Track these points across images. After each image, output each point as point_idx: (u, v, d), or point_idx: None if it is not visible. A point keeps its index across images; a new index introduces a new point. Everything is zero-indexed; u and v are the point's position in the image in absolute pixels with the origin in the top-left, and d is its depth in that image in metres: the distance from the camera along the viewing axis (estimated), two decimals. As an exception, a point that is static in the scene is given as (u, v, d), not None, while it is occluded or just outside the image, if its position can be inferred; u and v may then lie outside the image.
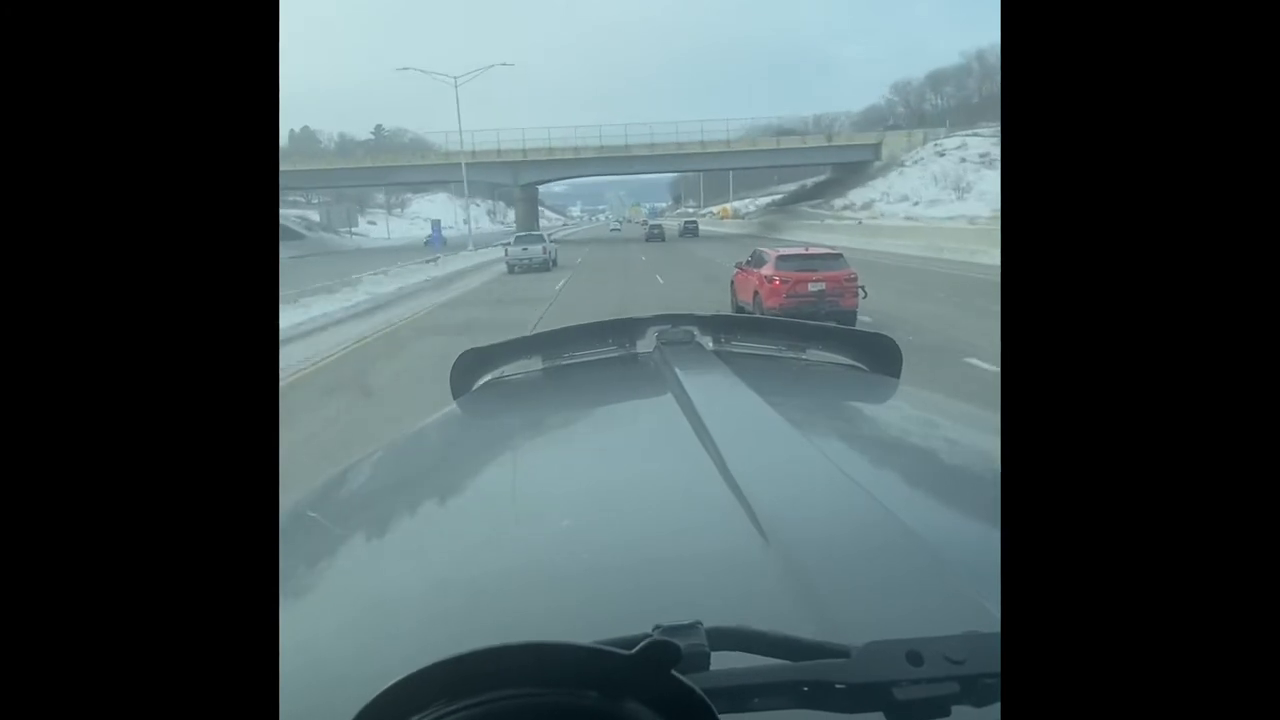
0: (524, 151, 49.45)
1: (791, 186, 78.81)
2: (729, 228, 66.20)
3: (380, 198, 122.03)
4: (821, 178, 61.57)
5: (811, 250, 11.09)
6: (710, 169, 62.87)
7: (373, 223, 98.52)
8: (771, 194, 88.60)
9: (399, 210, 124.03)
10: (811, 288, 9.48)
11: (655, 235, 41.60)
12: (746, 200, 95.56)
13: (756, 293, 10.10)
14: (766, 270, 9.97)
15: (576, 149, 49.61)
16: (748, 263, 10.93)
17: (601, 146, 49.62)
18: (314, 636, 0.58)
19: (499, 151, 49.28)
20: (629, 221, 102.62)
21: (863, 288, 9.70)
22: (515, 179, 50.07)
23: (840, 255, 10.32)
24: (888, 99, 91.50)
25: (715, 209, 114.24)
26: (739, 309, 10.62)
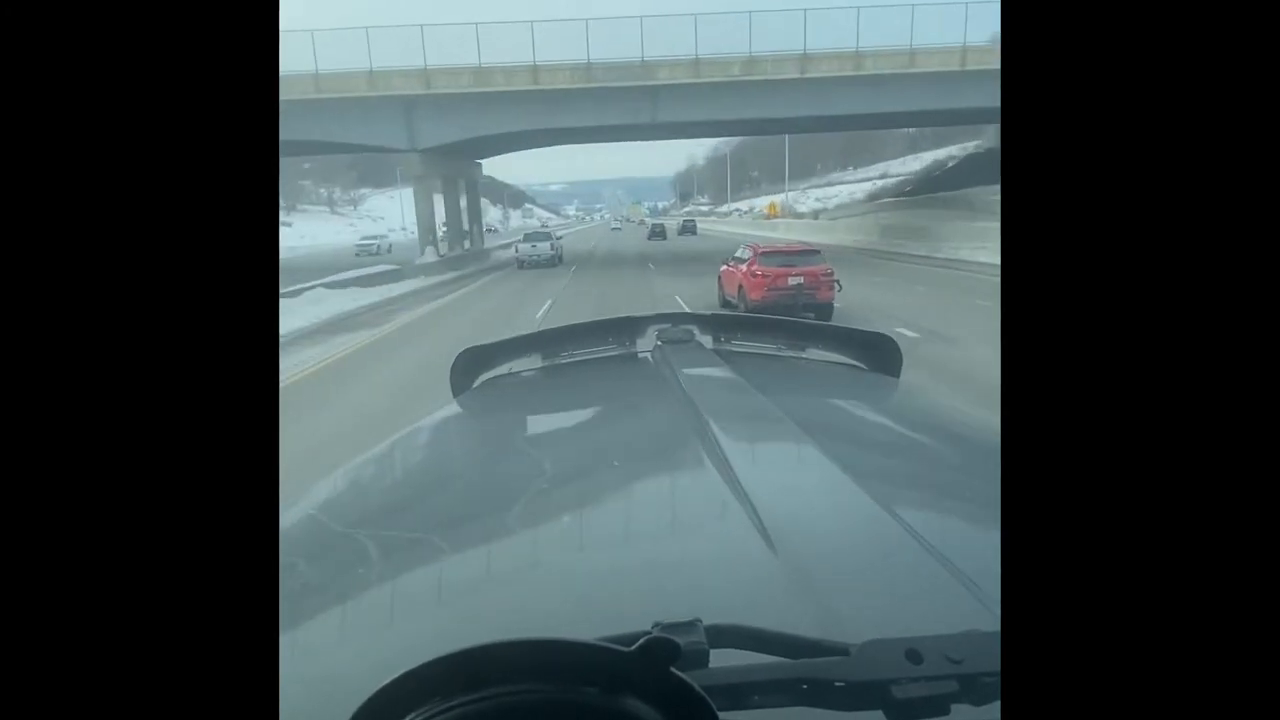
0: (425, 75, 22.45)
1: (887, 168, 53.66)
2: (792, 231, 39.63)
3: (322, 192, 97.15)
4: (971, 147, 36.07)
5: (791, 247, 12.01)
6: (796, 122, 30.72)
7: (288, 224, 74.65)
8: (842, 182, 63.52)
9: (349, 208, 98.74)
10: (791, 282, 10.22)
11: (658, 233, 44.46)
12: (795, 191, 70.51)
13: (741, 286, 10.87)
14: (750, 266, 10.69)
15: (536, 70, 22.50)
16: (734, 259, 11.77)
17: (590, 67, 22.62)
18: (314, 634, 0.59)
19: (370, 76, 22.23)
20: (629, 221, 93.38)
21: (838, 281, 10.44)
22: (410, 139, 23.36)
23: (818, 251, 11.16)
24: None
25: (743, 205, 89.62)
26: (725, 302, 11.66)
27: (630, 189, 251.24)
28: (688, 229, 51.68)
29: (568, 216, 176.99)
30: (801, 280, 10.21)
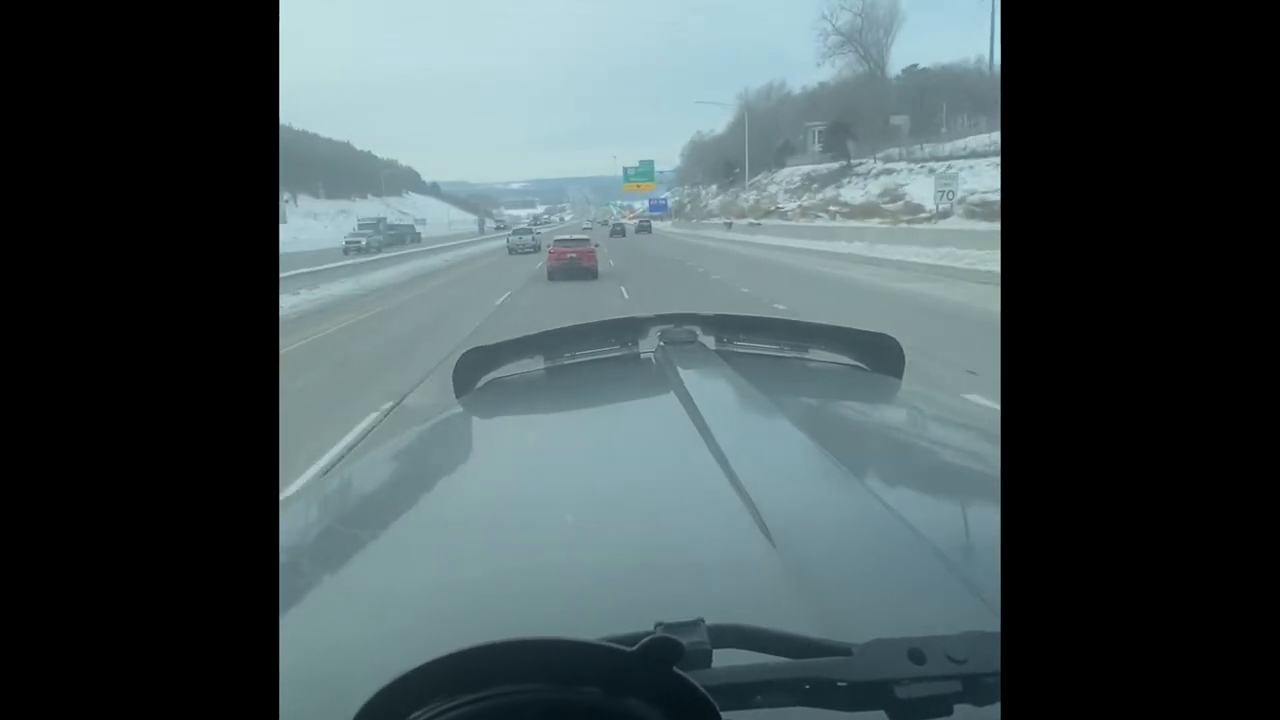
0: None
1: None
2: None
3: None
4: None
5: (572, 235, 22.10)
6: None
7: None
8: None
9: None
10: (569, 256, 18.55)
11: (617, 231, 50.96)
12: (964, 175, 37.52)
13: (548, 260, 19.38)
14: (550, 248, 19.75)
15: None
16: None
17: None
18: (315, 634, 0.59)
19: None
20: (599, 223, 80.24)
21: (596, 256, 19.00)
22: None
23: (587, 239, 20.67)
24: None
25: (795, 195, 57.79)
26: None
27: (597, 188, 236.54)
28: (643, 228, 61.19)
29: (501, 222, 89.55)
30: (575, 255, 18.51)
